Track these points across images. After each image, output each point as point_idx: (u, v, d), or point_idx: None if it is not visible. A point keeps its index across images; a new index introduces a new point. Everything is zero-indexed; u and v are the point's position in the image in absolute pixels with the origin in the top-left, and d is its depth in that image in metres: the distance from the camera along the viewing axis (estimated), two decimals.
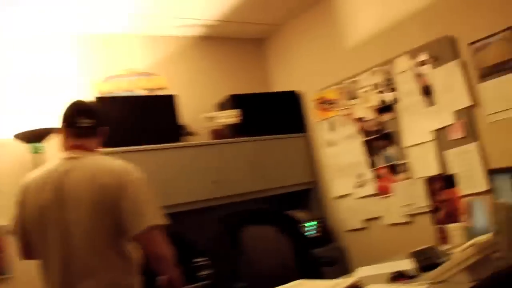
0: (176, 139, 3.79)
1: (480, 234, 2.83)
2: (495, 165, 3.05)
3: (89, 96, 3.52)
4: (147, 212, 2.05)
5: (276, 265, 3.30)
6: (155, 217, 2.06)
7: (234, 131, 4.05)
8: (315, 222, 4.18)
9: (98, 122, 2.25)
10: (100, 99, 3.50)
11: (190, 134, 3.99)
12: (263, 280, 2.84)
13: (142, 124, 3.67)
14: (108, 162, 2.16)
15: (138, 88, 3.83)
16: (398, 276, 2.37)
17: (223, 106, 4.23)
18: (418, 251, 2.90)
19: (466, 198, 2.98)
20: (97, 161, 2.16)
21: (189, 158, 3.74)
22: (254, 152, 4.05)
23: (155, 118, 3.73)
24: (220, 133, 4.04)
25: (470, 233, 2.84)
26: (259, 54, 4.90)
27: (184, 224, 3.83)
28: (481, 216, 2.86)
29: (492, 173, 2.93)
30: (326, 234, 4.20)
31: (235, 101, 4.15)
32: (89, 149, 2.19)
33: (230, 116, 4.03)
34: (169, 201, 3.46)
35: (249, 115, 4.13)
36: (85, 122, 2.19)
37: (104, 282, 2.02)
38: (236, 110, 4.04)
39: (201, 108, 4.19)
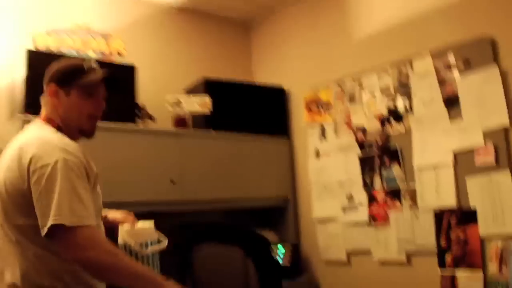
0: (130, 120, 2.99)
1: None
2: None
3: (23, 48, 2.71)
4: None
5: None
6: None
7: (202, 122, 3.28)
8: (283, 247, 3.42)
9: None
10: (35, 54, 2.68)
11: (148, 117, 3.20)
12: None
13: None
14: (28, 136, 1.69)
15: (89, 49, 3.01)
16: None
17: (192, 90, 3.46)
18: None
19: (496, 241, 2.27)
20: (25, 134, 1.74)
21: (143, 146, 2.94)
22: (224, 151, 3.28)
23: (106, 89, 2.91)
24: (185, 122, 3.27)
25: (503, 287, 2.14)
26: (243, 38, 4.19)
27: None
28: None
29: None
30: (297, 264, 3.43)
31: (208, 87, 3.39)
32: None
33: (200, 104, 3.26)
34: (110, 197, 2.66)
35: (223, 106, 3.39)
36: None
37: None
38: (207, 97, 3.27)
39: (165, 89, 3.47)
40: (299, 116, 3.64)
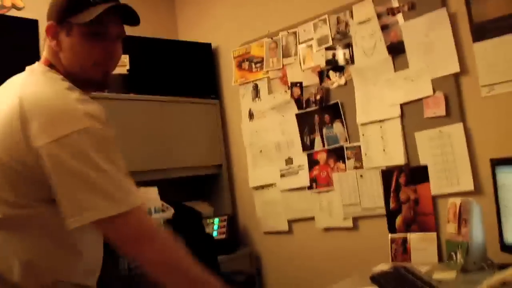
0: None
1: (480, 253, 1.95)
2: (489, 155, 2.14)
3: None
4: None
5: None
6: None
7: (119, 83, 2.87)
8: (218, 219, 3.10)
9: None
10: None
11: None
12: None
13: None
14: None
15: None
16: None
17: None
18: (382, 274, 1.96)
19: (455, 200, 2.05)
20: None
21: None
22: (145, 116, 2.88)
23: (5, 45, 2.47)
24: None
25: (464, 248, 1.92)
26: None
27: None
28: (479, 226, 1.94)
29: (494, 164, 2.02)
30: (234, 236, 3.14)
31: (125, 44, 2.93)
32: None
33: None
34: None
35: (143, 66, 2.99)
36: None
37: None
38: (124, 55, 2.85)
39: None
40: (229, 74, 3.27)
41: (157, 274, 1.23)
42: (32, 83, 1.29)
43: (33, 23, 2.63)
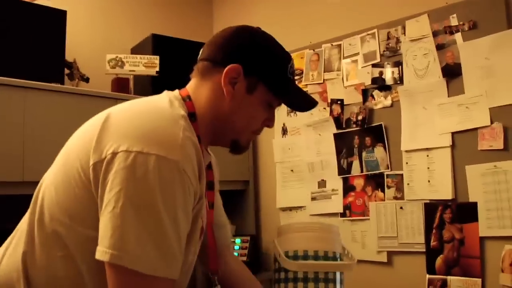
0: (58, 80, 2.39)
1: None
2: None
3: None
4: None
5: None
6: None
7: (147, 86, 2.72)
8: (240, 239, 2.90)
9: None
10: None
11: (81, 78, 2.61)
12: None
13: (6, 43, 2.29)
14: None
15: None
16: None
17: (138, 50, 2.89)
18: None
19: (510, 246, 1.81)
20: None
21: (73, 112, 2.32)
22: None
23: (27, 38, 2.35)
24: (126, 86, 2.69)
25: None
26: None
27: None
28: None
29: None
30: (256, 259, 2.92)
31: (156, 45, 2.80)
32: None
33: (146, 64, 2.67)
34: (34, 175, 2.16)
35: (174, 68, 2.80)
36: None
37: None
38: (155, 56, 2.69)
39: (105, 47, 2.89)
40: None
41: None
42: (138, 100, 1.13)
43: (61, 14, 2.50)
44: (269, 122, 1.23)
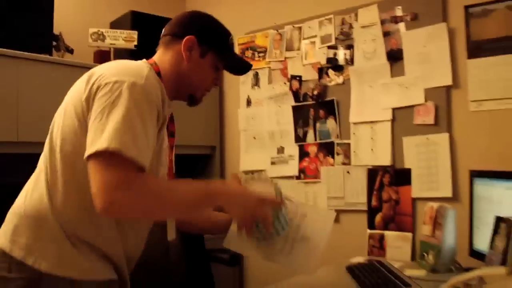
0: (45, 50, 2.63)
1: (449, 256, 2.10)
2: (469, 166, 2.29)
3: None
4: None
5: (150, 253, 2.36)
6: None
7: (125, 58, 2.95)
8: None
9: None
10: None
11: (66, 49, 2.85)
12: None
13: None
14: None
15: None
16: None
17: (118, 24, 3.13)
18: (358, 265, 2.10)
19: (432, 204, 2.20)
20: None
21: (59, 81, 2.57)
22: None
23: (19, 12, 2.57)
24: (107, 58, 2.94)
25: (436, 250, 2.07)
26: None
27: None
28: (451, 231, 2.09)
29: (473, 175, 2.17)
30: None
31: (134, 21, 3.06)
32: None
33: (125, 38, 2.93)
34: (20, 137, 2.44)
35: (151, 43, 3.04)
36: None
37: None
38: (133, 31, 2.95)
39: (87, 21, 3.11)
40: None
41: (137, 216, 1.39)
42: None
43: None
44: (217, 81, 1.62)
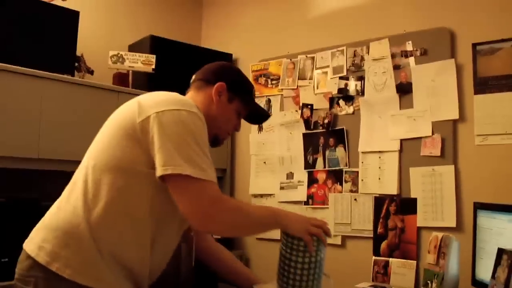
0: (68, 71, 2.74)
1: (452, 284, 2.16)
2: (473, 198, 2.36)
3: None
4: None
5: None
6: None
7: (144, 81, 3.09)
8: None
9: None
10: None
11: (87, 71, 2.96)
12: None
13: (24, 37, 2.62)
14: None
15: None
16: None
17: (137, 47, 3.25)
18: None
19: (437, 234, 2.27)
20: None
21: (81, 101, 2.70)
22: None
23: (45, 34, 2.70)
24: (126, 80, 3.06)
25: (439, 279, 2.13)
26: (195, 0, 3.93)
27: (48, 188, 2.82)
28: (455, 260, 2.16)
29: (476, 207, 2.24)
30: (228, 238, 3.32)
31: (153, 45, 3.19)
32: None
33: (144, 62, 3.05)
34: (45, 154, 2.53)
35: (168, 67, 3.20)
36: None
37: None
38: (152, 55, 3.06)
39: (108, 43, 3.24)
40: None
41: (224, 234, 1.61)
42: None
43: (75, 14, 2.83)
44: (238, 126, 1.76)
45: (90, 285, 1.37)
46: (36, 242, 1.42)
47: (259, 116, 1.85)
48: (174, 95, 1.53)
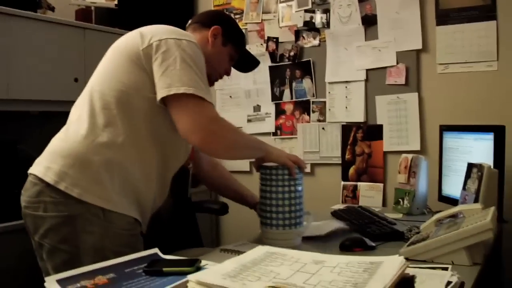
0: (29, 8, 2.63)
1: (423, 200, 2.37)
2: (436, 122, 2.56)
3: None
4: None
5: None
6: None
7: (106, 17, 3.02)
8: None
9: None
10: None
11: (47, 7, 2.84)
12: None
13: None
14: None
15: None
16: (352, 245, 1.71)
17: None
18: (341, 210, 2.33)
19: (407, 155, 2.45)
20: None
21: (44, 38, 2.61)
22: None
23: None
24: (88, 16, 2.97)
25: (411, 196, 2.33)
26: None
27: (22, 131, 2.78)
28: (424, 178, 2.36)
29: (443, 129, 2.43)
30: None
31: None
32: None
33: None
34: (6, 94, 2.45)
35: (130, 3, 3.11)
36: None
37: None
38: None
39: None
40: None
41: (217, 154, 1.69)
42: None
43: None
44: (229, 71, 1.84)
45: (99, 204, 1.42)
46: (43, 165, 1.45)
47: (250, 62, 1.94)
48: (174, 27, 1.59)
